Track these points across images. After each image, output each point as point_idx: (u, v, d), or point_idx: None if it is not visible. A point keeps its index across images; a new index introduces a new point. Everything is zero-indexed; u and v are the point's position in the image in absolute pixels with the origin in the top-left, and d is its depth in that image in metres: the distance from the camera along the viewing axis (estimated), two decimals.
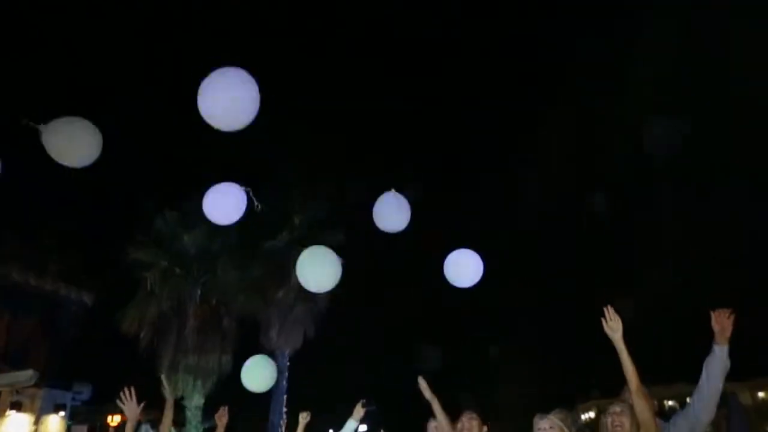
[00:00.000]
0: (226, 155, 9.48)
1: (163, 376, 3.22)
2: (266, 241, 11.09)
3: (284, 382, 11.94)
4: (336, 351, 13.05)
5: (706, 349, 2.53)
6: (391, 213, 3.99)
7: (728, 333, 2.47)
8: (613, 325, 2.48)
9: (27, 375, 9.41)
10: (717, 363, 2.47)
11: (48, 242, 10.77)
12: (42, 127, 3.03)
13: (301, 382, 12.50)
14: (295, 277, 10.64)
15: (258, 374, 4.00)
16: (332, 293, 11.94)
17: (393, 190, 3.96)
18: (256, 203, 3.62)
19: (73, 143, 3.10)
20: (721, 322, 2.48)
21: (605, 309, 2.51)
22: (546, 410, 2.62)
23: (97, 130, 3.17)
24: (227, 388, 10.13)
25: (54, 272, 10.64)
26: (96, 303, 11.66)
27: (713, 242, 11.61)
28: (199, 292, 10.71)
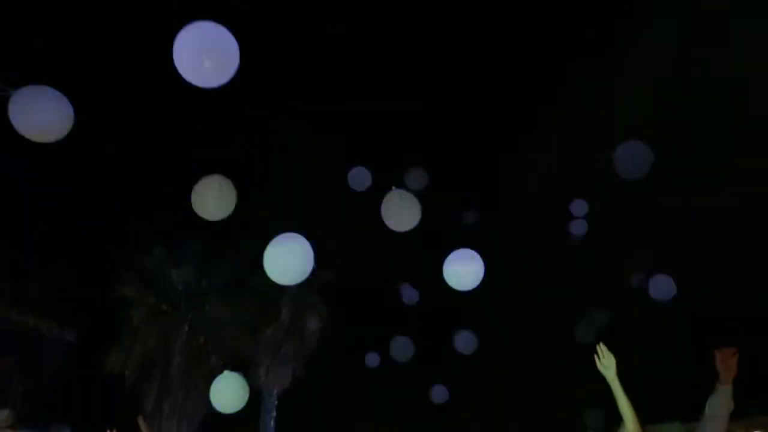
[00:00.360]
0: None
1: (140, 419, 3.13)
2: (255, 278, 11.08)
3: (272, 423, 12.48)
4: (326, 390, 12.95)
5: (706, 386, 2.53)
6: (401, 211, 3.87)
7: (733, 373, 2.50)
8: (606, 363, 2.57)
9: (2, 415, 9.26)
10: (720, 404, 2.49)
11: (31, 277, 10.71)
12: (12, 92, 2.83)
13: (290, 422, 12.59)
14: (285, 314, 10.48)
15: (228, 391, 3.89)
16: (322, 331, 12.02)
17: (394, 188, 3.85)
18: None
19: (43, 115, 3.02)
20: (726, 362, 2.51)
21: (598, 347, 2.58)
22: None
23: (67, 102, 3.05)
24: (213, 429, 10.08)
25: (36, 308, 10.57)
26: (79, 340, 11.65)
27: (715, 246, 11.37)
28: (186, 329, 11.06)
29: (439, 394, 9.85)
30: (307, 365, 12.10)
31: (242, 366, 11.20)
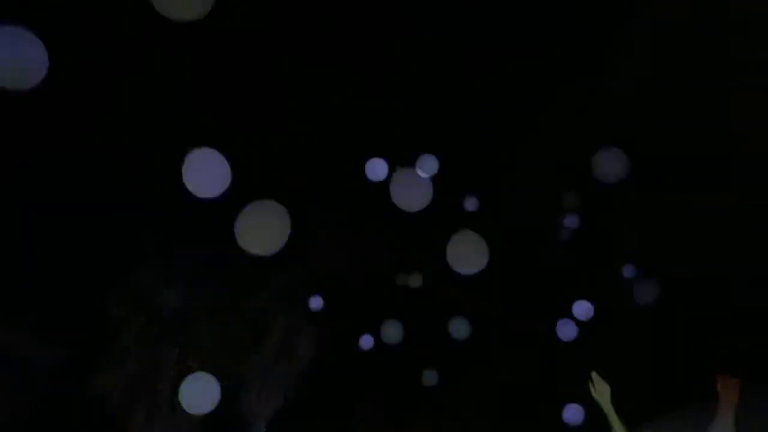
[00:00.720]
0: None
1: None
2: (247, 299, 10.83)
3: None
4: (318, 415, 12.64)
5: (705, 389, 2.54)
6: (411, 190, 3.64)
7: (735, 400, 2.45)
8: (600, 390, 2.57)
9: None
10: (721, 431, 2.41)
11: (18, 296, 10.33)
12: None
13: None
14: (277, 336, 10.17)
15: (196, 391, 3.62)
16: (315, 354, 11.71)
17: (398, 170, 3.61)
18: None
19: (16, 58, 2.78)
20: (727, 389, 2.47)
21: (591, 374, 2.59)
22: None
23: (41, 44, 2.63)
24: None
25: (23, 327, 10.22)
26: (66, 361, 11.28)
27: (715, 246, 11.25)
28: (176, 350, 10.76)
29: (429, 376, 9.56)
30: (298, 391, 11.76)
31: (232, 389, 10.82)
